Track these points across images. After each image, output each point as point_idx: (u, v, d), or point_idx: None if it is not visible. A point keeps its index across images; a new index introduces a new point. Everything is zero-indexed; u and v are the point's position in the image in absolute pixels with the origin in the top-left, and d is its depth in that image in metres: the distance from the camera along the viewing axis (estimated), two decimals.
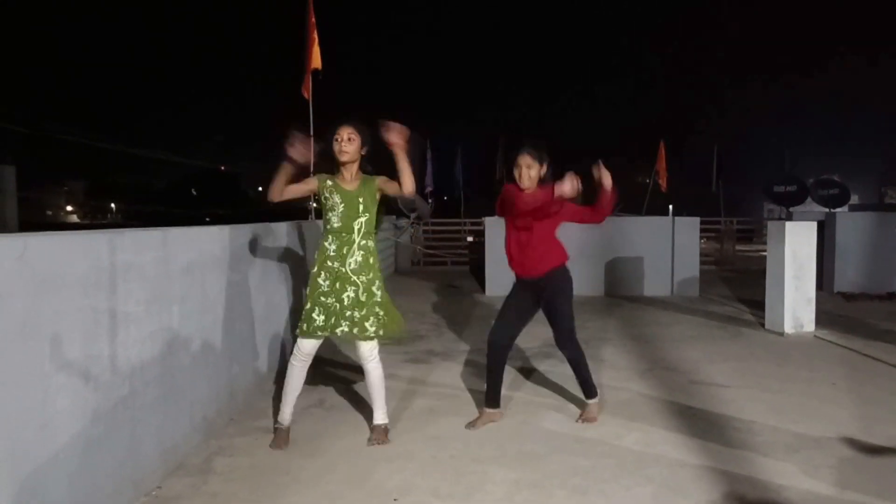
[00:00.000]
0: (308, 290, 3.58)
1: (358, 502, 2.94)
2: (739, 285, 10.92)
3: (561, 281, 3.81)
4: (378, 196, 3.59)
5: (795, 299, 6.68)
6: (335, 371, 5.04)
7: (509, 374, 5.09)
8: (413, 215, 14.62)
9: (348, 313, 3.48)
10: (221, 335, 3.87)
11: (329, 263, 3.51)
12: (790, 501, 2.92)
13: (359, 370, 5.09)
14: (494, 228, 9.92)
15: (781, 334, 6.65)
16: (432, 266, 14.81)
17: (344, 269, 3.49)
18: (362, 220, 3.53)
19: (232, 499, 2.97)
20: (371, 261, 3.57)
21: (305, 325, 3.52)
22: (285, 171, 3.37)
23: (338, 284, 3.49)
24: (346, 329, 3.49)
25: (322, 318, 3.49)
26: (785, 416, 4.08)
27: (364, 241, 3.54)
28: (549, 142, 3.79)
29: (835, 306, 8.53)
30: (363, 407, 4.26)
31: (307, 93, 7.69)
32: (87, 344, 2.54)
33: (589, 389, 3.98)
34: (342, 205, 3.50)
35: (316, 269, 3.54)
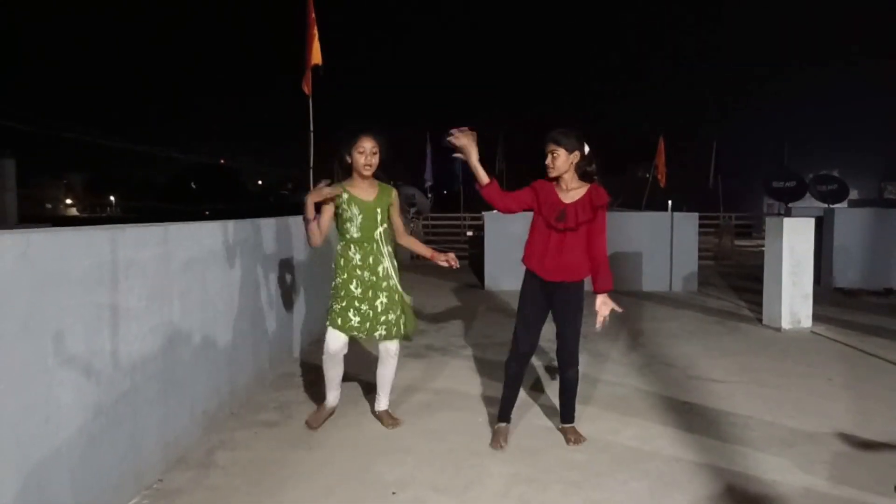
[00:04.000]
0: (338, 292, 3.61)
1: (356, 495, 2.97)
2: (738, 280, 10.95)
3: (580, 293, 3.47)
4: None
5: (793, 295, 6.71)
6: None
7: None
8: (413, 210, 14.65)
9: (383, 318, 3.62)
10: (222, 330, 3.90)
11: (359, 272, 3.59)
12: (785, 496, 2.95)
13: (356, 365, 5.11)
14: (494, 224, 9.94)
15: (779, 330, 6.68)
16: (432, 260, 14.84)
17: (375, 278, 3.60)
18: (381, 229, 3.63)
19: (233, 492, 3.00)
20: (395, 264, 3.70)
21: (340, 320, 3.58)
22: (313, 221, 3.50)
23: (371, 292, 3.60)
24: (384, 332, 3.64)
25: (357, 319, 3.59)
26: (781, 411, 4.11)
27: (388, 248, 3.66)
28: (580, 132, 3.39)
29: (832, 302, 8.55)
30: (361, 401, 4.29)
31: (308, 88, 7.70)
32: (90, 339, 2.57)
33: (571, 413, 3.68)
34: (361, 216, 3.57)
35: (346, 276, 3.60)
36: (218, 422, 3.82)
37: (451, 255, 3.81)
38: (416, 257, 14.93)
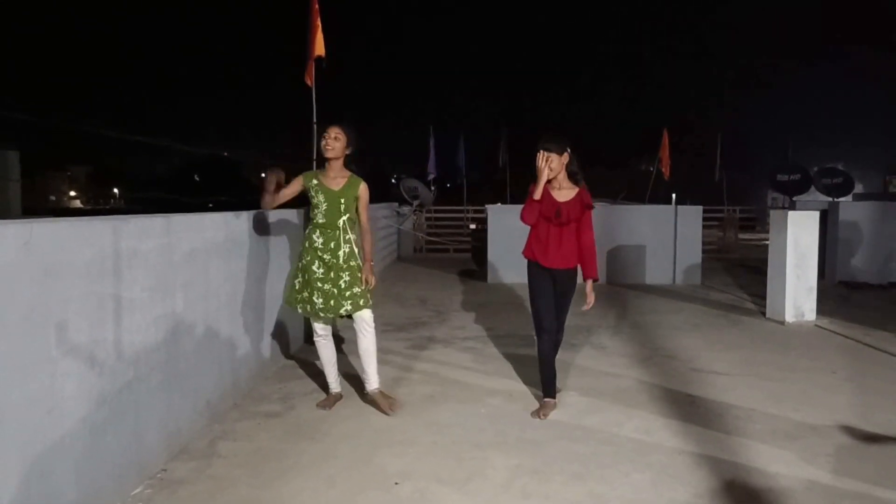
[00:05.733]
0: (303, 276, 3.89)
1: (359, 487, 2.98)
2: (741, 274, 10.93)
3: (575, 278, 4.08)
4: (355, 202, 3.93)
5: (797, 288, 6.69)
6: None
7: (510, 362, 5.13)
8: (416, 202, 14.63)
9: (348, 293, 3.83)
10: (225, 321, 3.91)
11: (320, 254, 3.83)
12: (788, 489, 2.95)
13: (353, 357, 5.12)
14: (496, 216, 9.93)
15: (782, 323, 6.67)
16: (435, 253, 14.84)
17: (335, 260, 3.83)
18: (344, 218, 3.86)
19: (235, 482, 3.01)
20: (356, 251, 3.92)
21: (310, 307, 3.87)
22: (269, 182, 3.75)
23: (332, 273, 3.83)
24: (350, 307, 3.84)
25: (321, 301, 3.82)
26: (784, 404, 4.11)
27: (348, 236, 3.88)
28: (565, 132, 4.00)
29: (836, 295, 8.54)
30: (364, 392, 4.30)
31: (310, 80, 7.67)
32: (93, 330, 2.57)
33: (552, 388, 4.06)
34: (325, 203, 3.83)
35: (309, 258, 3.85)
36: (220, 412, 3.83)
37: (371, 280, 3.93)
38: (419, 250, 14.94)
